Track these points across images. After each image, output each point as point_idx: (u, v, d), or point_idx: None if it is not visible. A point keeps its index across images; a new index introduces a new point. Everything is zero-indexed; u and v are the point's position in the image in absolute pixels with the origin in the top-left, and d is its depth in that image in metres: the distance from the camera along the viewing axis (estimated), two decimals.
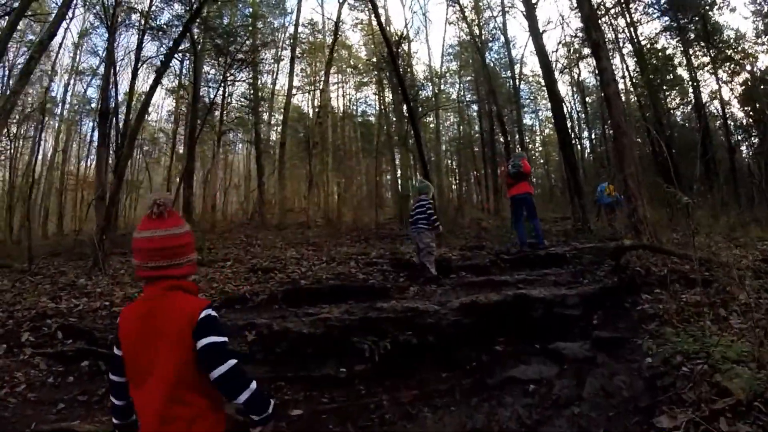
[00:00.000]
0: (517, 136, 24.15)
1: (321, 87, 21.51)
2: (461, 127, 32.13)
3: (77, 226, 19.16)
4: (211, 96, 21.99)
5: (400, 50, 22.35)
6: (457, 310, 4.71)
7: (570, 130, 15.89)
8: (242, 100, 23.57)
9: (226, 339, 1.52)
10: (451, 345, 4.45)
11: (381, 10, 18.20)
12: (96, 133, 17.90)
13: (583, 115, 28.77)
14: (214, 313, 1.54)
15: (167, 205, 1.61)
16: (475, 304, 4.77)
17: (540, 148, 36.96)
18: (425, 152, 15.05)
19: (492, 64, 25.65)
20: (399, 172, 23.88)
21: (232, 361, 1.49)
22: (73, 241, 14.06)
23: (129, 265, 9.35)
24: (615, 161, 11.65)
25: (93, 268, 8.75)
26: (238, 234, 14.84)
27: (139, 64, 17.20)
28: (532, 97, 31.45)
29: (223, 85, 21.67)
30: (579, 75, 26.64)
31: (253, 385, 1.51)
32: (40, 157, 23.20)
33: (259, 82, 23.77)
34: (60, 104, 23.91)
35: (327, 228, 14.50)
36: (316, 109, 22.17)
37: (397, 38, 16.61)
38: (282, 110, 29.82)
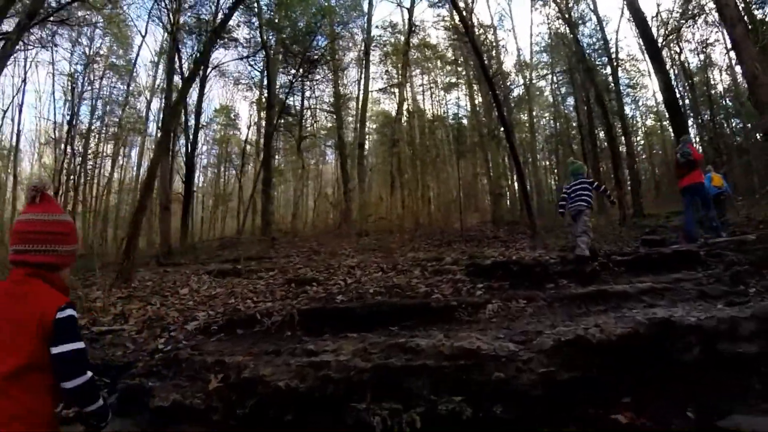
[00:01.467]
0: (619, 125, 20.73)
1: (399, 81, 19.91)
2: (557, 124, 29.14)
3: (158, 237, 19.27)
4: (291, 103, 21.68)
5: (484, 39, 20.69)
6: (549, 355, 2.66)
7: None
8: (323, 105, 23.02)
9: (83, 346, 1.51)
10: (536, 424, 2.33)
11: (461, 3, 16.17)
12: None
13: (688, 101, 24.49)
14: (74, 312, 1.50)
15: (41, 190, 1.59)
16: (581, 343, 2.62)
17: (642, 141, 32.81)
18: (518, 149, 13.33)
19: (585, 47, 22.62)
20: (492, 173, 22.07)
21: (88, 374, 1.48)
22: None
23: (161, 278, 8.27)
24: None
25: (117, 280, 7.71)
26: (310, 242, 13.53)
27: (209, 72, 16.92)
28: (631, 84, 27.58)
29: (300, 89, 21.15)
30: (680, 54, 22.70)
31: (101, 400, 1.54)
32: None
33: (344, 87, 22.94)
34: (149, 122, 24.96)
35: (410, 233, 12.67)
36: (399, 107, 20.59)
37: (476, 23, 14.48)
38: (369, 115, 29.20)
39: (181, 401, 3.18)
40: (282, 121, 23.15)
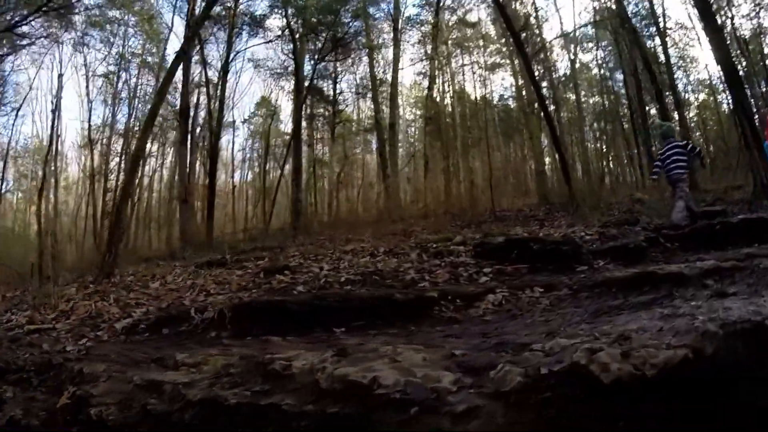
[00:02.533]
0: (671, 98, 18.21)
1: (430, 55, 18.49)
2: (605, 100, 26.60)
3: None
4: (324, 88, 20.83)
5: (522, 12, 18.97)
6: (511, 403, 1.30)
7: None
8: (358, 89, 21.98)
9: None
10: None
11: None
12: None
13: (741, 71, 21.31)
14: None
15: None
16: (579, 376, 1.26)
17: (695, 118, 29.26)
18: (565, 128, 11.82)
19: (630, 16, 20.26)
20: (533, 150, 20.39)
21: None
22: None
23: (146, 272, 7.49)
24: None
25: (99, 275, 6.99)
26: (338, 231, 12.48)
27: (230, 58, 16.32)
28: (681, 55, 24.61)
29: (332, 74, 20.24)
30: (732, 20, 19.70)
31: None
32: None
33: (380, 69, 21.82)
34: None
35: (443, 216, 11.34)
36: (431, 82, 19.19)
37: None
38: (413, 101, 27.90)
39: (20, 419, 2.38)
40: (321, 110, 22.47)
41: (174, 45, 23.54)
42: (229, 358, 2.24)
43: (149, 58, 21.26)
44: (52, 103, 19.66)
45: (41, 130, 21.88)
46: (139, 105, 21.44)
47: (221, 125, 16.57)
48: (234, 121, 27.06)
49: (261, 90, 44.36)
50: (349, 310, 3.11)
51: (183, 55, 8.44)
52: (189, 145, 14.54)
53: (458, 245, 5.08)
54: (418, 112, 26.29)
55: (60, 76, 19.96)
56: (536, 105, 14.69)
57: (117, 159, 21.21)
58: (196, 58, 16.06)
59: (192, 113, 20.89)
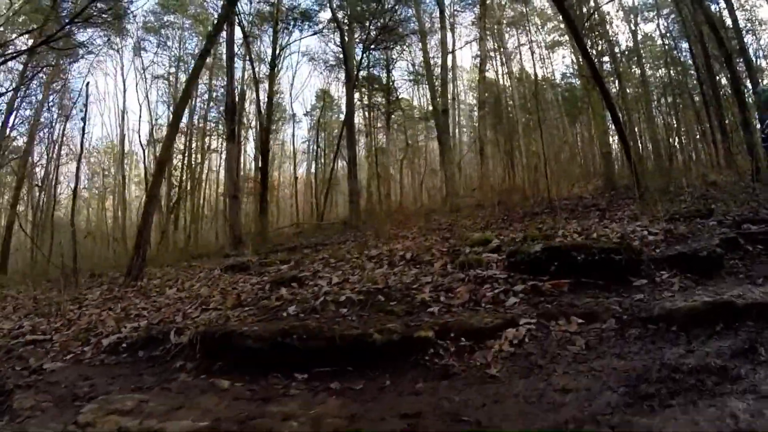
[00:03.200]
0: (742, 65, 15.62)
1: (479, 35, 17.29)
2: (671, 72, 23.79)
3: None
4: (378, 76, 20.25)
5: None
6: None
7: None
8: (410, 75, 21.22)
9: None
10: None
11: None
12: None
13: None
14: None
15: None
16: None
17: None
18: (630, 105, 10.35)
19: None
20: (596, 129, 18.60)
21: None
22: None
23: (173, 275, 7.30)
24: None
25: (126, 278, 6.89)
26: (388, 224, 11.87)
27: (277, 54, 16.12)
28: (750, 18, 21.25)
29: (384, 61, 19.62)
30: None
31: None
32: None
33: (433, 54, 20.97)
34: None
35: (498, 206, 10.43)
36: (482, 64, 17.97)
37: None
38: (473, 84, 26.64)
39: None
40: (379, 98, 21.93)
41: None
42: (128, 421, 1.73)
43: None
44: (117, 105, 20.67)
45: (111, 131, 23.11)
46: (198, 103, 22.15)
47: (271, 121, 16.43)
48: (294, 114, 27.34)
49: (321, 82, 44.73)
50: (316, 352, 2.49)
51: (206, 54, 8.17)
52: (236, 142, 14.46)
53: (492, 252, 4.27)
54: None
55: (123, 80, 20.97)
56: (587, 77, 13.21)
57: (179, 156, 22.11)
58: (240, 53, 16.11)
59: (247, 108, 21.26)
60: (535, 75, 22.41)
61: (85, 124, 16.29)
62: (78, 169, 12.18)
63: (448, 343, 2.52)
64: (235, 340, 2.85)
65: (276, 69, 16.71)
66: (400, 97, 21.70)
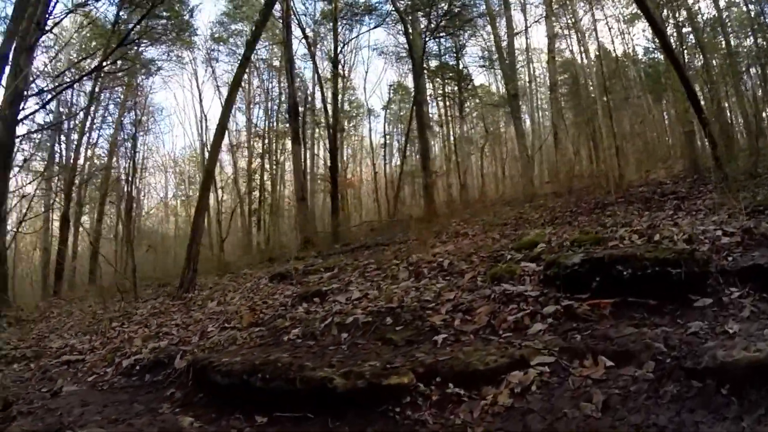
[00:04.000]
0: None
1: (545, 14, 15.87)
2: (758, 40, 20.29)
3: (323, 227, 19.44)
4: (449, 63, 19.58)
5: None
6: None
7: None
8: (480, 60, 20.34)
9: None
10: None
11: None
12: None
13: None
14: None
15: None
16: None
17: None
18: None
19: None
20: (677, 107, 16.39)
21: None
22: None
23: (223, 285, 7.38)
24: None
25: (179, 290, 7.08)
26: (461, 217, 11.38)
27: (338, 50, 16.04)
28: None
29: (454, 49, 18.94)
30: None
31: None
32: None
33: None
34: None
35: (567, 199, 9.61)
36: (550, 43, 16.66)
37: None
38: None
39: None
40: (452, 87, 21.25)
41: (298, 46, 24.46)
42: None
43: (276, 62, 22.36)
44: (196, 114, 21.88)
45: (192, 139, 24.50)
46: (273, 106, 22.83)
47: (338, 119, 16.41)
48: (371, 109, 27.34)
49: (395, 75, 44.46)
50: (280, 394, 2.19)
51: (246, 62, 8.17)
52: (301, 144, 14.63)
53: (531, 261, 3.66)
54: (560, 78, 23.54)
55: (199, 90, 22.16)
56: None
57: (258, 159, 22.97)
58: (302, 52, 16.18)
59: (318, 107, 21.49)
60: (614, 51, 20.57)
61: (135, 142, 17.34)
62: (130, 186, 12.94)
63: (432, 390, 2.08)
64: (209, 374, 2.65)
65: (342, 66, 16.67)
66: (474, 83, 20.85)
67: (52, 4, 8.61)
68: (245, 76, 23.02)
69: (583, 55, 19.31)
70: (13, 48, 7.66)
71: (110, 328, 5.43)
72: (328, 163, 17.20)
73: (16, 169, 12.01)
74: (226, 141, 25.35)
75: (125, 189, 15.32)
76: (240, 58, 10.15)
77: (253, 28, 10.25)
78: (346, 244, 11.60)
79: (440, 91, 22.69)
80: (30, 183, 13.34)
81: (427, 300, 3.39)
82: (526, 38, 21.49)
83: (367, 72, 55.74)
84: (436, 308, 3.20)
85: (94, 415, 2.72)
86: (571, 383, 1.97)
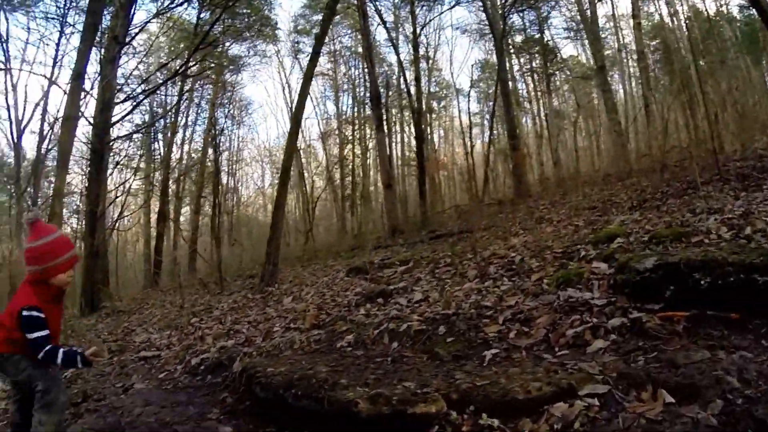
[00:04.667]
0: None
1: None
2: None
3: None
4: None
5: None
6: None
7: None
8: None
9: (33, 335, 2.20)
10: None
11: None
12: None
13: None
14: (26, 313, 2.22)
15: (31, 222, 2.45)
16: None
17: None
18: None
19: None
20: None
21: (43, 352, 2.20)
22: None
23: (297, 284, 7.59)
24: None
25: (260, 284, 7.44)
26: (551, 198, 10.89)
27: (418, 34, 15.81)
28: None
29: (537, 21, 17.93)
30: None
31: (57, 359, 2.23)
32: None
33: None
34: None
35: (658, 177, 8.77)
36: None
37: None
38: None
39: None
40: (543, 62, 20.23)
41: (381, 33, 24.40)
42: None
43: (360, 49, 22.58)
44: (287, 105, 22.77)
45: (285, 130, 25.51)
46: (360, 93, 23.11)
47: (422, 102, 16.22)
48: (458, 89, 26.80)
49: (480, 53, 42.95)
50: (311, 413, 2.17)
51: (316, 57, 8.22)
52: (385, 131, 14.67)
53: (603, 261, 3.28)
54: (653, 44, 21.35)
55: (287, 81, 22.99)
56: None
57: (349, 146, 23.45)
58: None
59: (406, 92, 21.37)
60: (706, 10, 18.16)
61: (221, 136, 18.16)
62: (217, 181, 13.51)
63: (463, 420, 1.93)
64: (252, 384, 2.70)
65: (425, 48, 16.42)
66: (562, 56, 19.70)
67: (131, 18, 9.35)
68: (330, 65, 23.75)
69: (673, 18, 17.47)
70: (98, 61, 8.40)
71: (189, 323, 5.80)
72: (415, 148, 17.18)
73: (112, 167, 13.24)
74: (316, 130, 26.32)
75: (215, 184, 16.36)
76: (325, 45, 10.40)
77: (321, 22, 10.37)
78: (432, 231, 11.50)
79: (527, 67, 21.83)
80: (125, 182, 14.67)
81: (487, 306, 3.21)
82: (612, 4, 19.68)
83: (452, 52, 55.09)
84: (493, 316, 3.01)
85: (150, 417, 2.89)
86: (620, 422, 1.72)
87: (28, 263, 2.35)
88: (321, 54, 9.98)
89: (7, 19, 15.75)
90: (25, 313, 2.21)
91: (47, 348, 2.20)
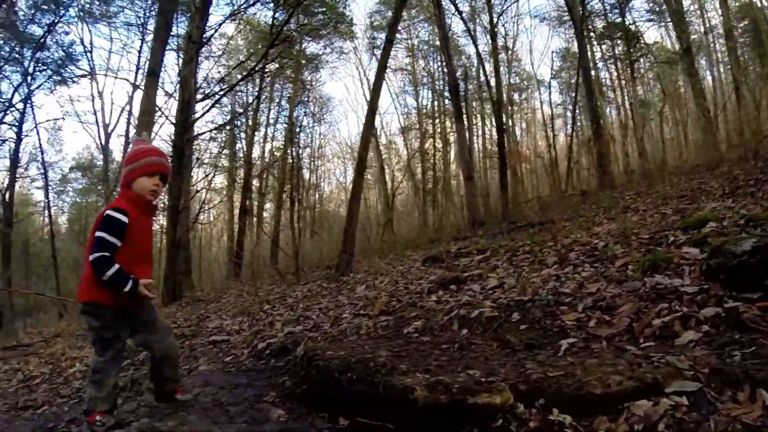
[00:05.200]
0: None
1: None
2: None
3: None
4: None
5: None
6: None
7: None
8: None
9: (103, 235, 2.15)
10: None
11: None
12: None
13: None
14: (111, 213, 2.18)
15: (135, 141, 2.65)
16: None
17: None
18: None
19: None
20: None
21: (96, 255, 2.13)
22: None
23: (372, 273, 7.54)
24: None
25: (335, 273, 7.51)
26: (638, 190, 10.16)
27: (495, 23, 15.32)
28: None
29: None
30: None
31: (111, 272, 2.13)
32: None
33: None
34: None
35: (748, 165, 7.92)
36: None
37: None
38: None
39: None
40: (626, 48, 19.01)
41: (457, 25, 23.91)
42: None
43: (438, 42, 22.38)
44: (367, 100, 23.09)
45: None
46: (440, 86, 22.87)
47: (501, 93, 15.71)
48: (539, 80, 25.94)
49: (561, 41, 40.92)
50: (365, 398, 2.09)
51: (389, 46, 8.16)
52: (464, 121, 14.35)
53: (695, 246, 2.87)
54: (741, 25, 19.23)
55: (366, 77, 23.21)
56: None
57: (430, 140, 23.32)
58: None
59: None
60: None
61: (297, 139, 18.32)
62: (297, 177, 13.65)
63: (532, 415, 1.71)
64: (310, 367, 2.62)
65: (504, 38, 15.90)
66: (645, 41, 18.39)
67: (206, 20, 9.85)
68: (409, 60, 23.67)
69: None
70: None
71: (261, 310, 5.92)
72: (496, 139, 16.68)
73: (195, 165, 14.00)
74: (396, 124, 26.41)
75: (295, 179, 16.84)
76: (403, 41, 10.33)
77: (393, 10, 10.31)
78: (513, 222, 11.16)
79: (609, 54, 20.64)
80: (206, 177, 15.50)
81: (566, 293, 2.93)
82: None
83: (531, 42, 53.63)
84: (572, 303, 2.73)
85: (207, 397, 2.86)
86: (712, 425, 1.43)
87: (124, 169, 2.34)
88: (399, 48, 10.05)
89: (90, 30, 17.36)
90: (108, 212, 2.16)
91: (105, 253, 2.11)
